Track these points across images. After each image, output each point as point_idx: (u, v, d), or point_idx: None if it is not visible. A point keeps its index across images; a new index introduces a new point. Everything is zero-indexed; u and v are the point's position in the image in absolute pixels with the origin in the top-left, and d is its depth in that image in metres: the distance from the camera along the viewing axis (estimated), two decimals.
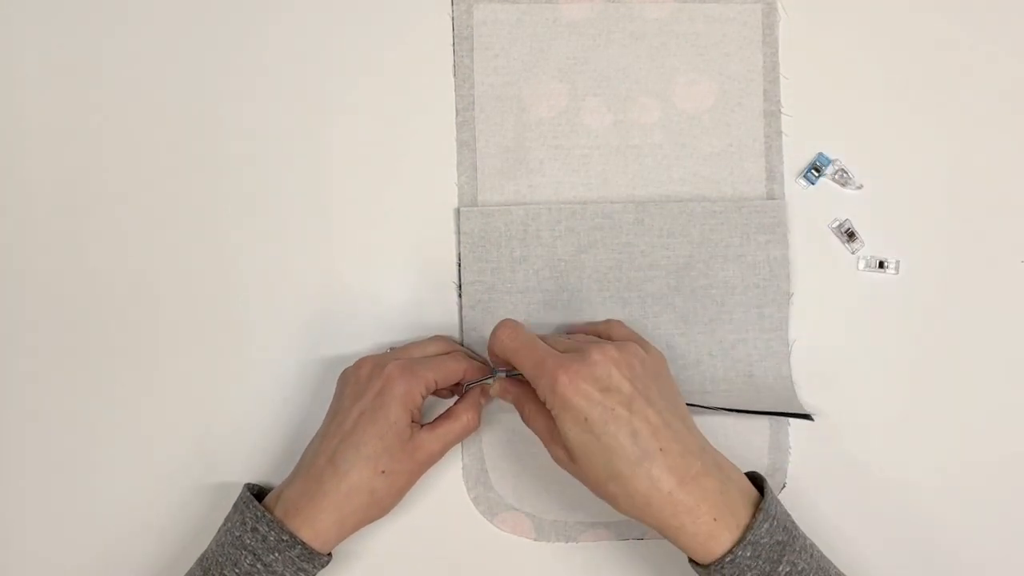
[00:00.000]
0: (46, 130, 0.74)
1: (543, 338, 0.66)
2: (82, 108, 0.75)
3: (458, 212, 0.75)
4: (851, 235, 0.76)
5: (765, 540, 0.60)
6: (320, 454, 0.66)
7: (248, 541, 0.64)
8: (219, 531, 0.66)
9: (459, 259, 0.75)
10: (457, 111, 0.76)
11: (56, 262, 0.74)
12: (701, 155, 0.77)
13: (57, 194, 0.74)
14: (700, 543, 0.61)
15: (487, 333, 0.73)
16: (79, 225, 0.74)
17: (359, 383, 0.67)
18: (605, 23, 0.77)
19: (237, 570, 0.63)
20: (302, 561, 0.64)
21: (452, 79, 0.76)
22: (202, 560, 0.65)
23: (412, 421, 0.66)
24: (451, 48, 0.76)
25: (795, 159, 0.77)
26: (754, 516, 0.61)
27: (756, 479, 0.65)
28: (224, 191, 0.75)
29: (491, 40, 0.76)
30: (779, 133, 0.77)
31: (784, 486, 0.75)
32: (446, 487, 0.74)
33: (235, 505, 0.67)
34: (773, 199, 0.76)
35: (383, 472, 0.65)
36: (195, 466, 0.73)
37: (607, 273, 0.75)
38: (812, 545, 0.63)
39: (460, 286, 0.75)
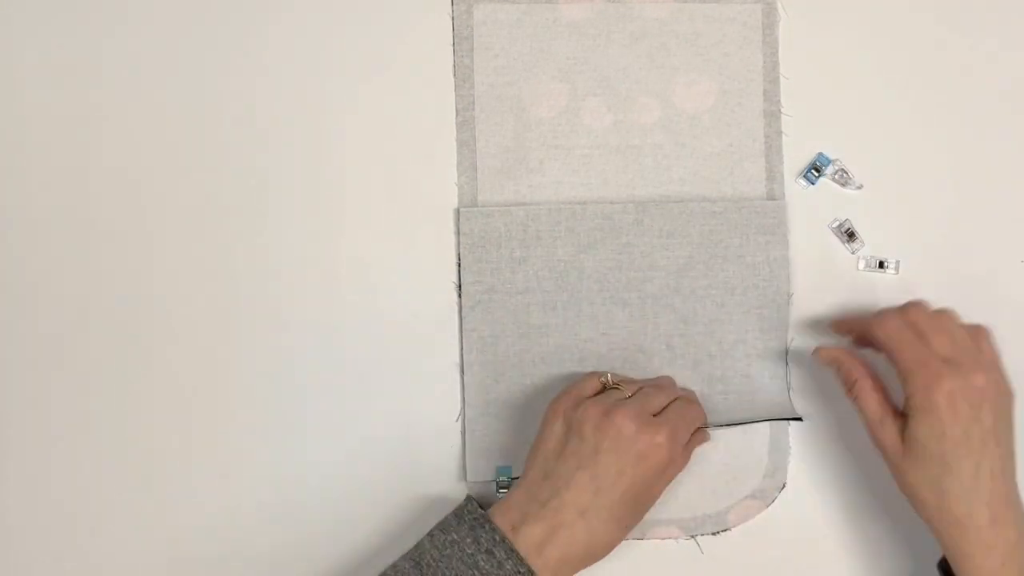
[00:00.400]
0: (45, 129, 0.74)
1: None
2: (82, 107, 0.75)
3: (458, 212, 0.75)
4: (851, 235, 0.76)
5: None
6: (567, 503, 0.65)
7: (483, 563, 0.63)
8: (440, 538, 0.66)
9: (459, 259, 0.75)
10: (457, 111, 0.76)
11: (59, 260, 0.74)
12: (701, 155, 0.77)
13: (56, 191, 0.74)
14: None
15: (487, 334, 0.74)
16: (82, 218, 0.74)
17: (620, 433, 0.65)
18: (605, 23, 0.77)
19: None
20: None
21: (452, 79, 0.76)
22: (420, 563, 0.65)
23: None
24: (451, 48, 0.76)
25: (795, 159, 0.77)
26: None
27: None
28: (222, 192, 0.75)
29: (491, 40, 0.76)
30: (779, 133, 0.77)
31: (784, 486, 0.75)
32: (446, 484, 0.74)
33: (460, 517, 0.66)
34: (773, 199, 0.76)
35: (626, 527, 0.67)
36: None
37: (607, 274, 0.75)
38: None
39: (460, 286, 0.75)
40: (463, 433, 0.75)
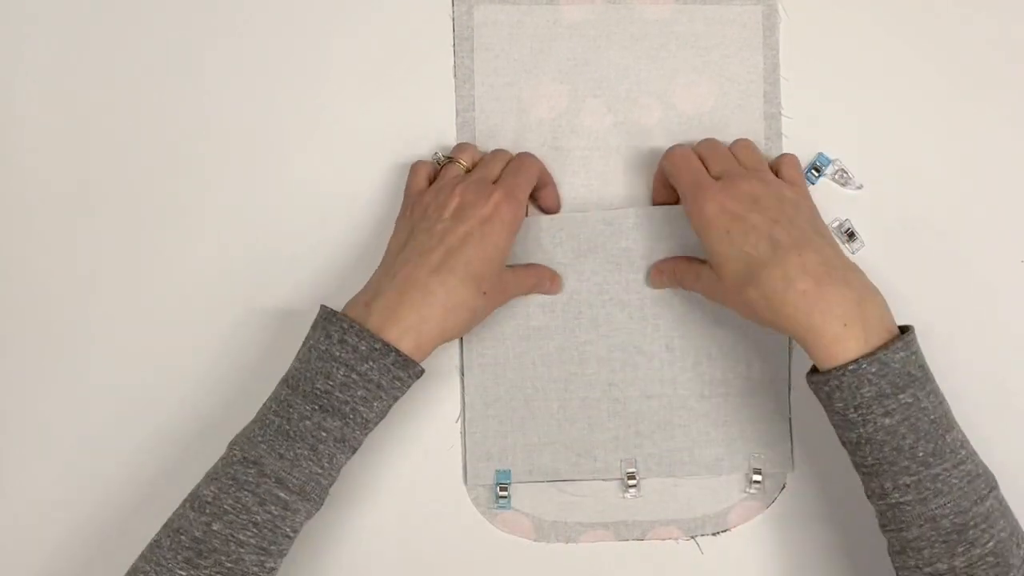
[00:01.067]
0: (42, 129, 0.75)
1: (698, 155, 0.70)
2: (83, 109, 0.75)
3: None
4: (851, 235, 0.76)
5: (896, 367, 0.61)
6: (420, 266, 0.65)
7: (338, 353, 0.63)
8: (299, 352, 0.66)
9: None
10: (457, 112, 0.76)
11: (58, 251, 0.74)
12: None
13: (53, 188, 0.75)
14: (825, 345, 0.62)
15: (487, 336, 0.74)
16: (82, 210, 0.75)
17: (463, 206, 0.67)
18: (605, 24, 0.76)
19: (331, 382, 0.63)
20: (397, 368, 0.64)
21: (452, 80, 0.76)
22: (286, 380, 0.65)
23: None
24: (451, 49, 0.76)
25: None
26: (892, 341, 0.62)
27: (904, 328, 0.65)
28: (219, 190, 0.75)
29: (492, 41, 0.76)
30: (779, 135, 0.77)
31: (784, 487, 0.76)
32: (446, 487, 0.75)
33: (313, 324, 0.66)
34: None
35: (484, 293, 0.67)
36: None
37: (607, 276, 0.75)
38: (942, 396, 0.64)
39: None
40: (463, 435, 0.75)
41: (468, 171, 0.72)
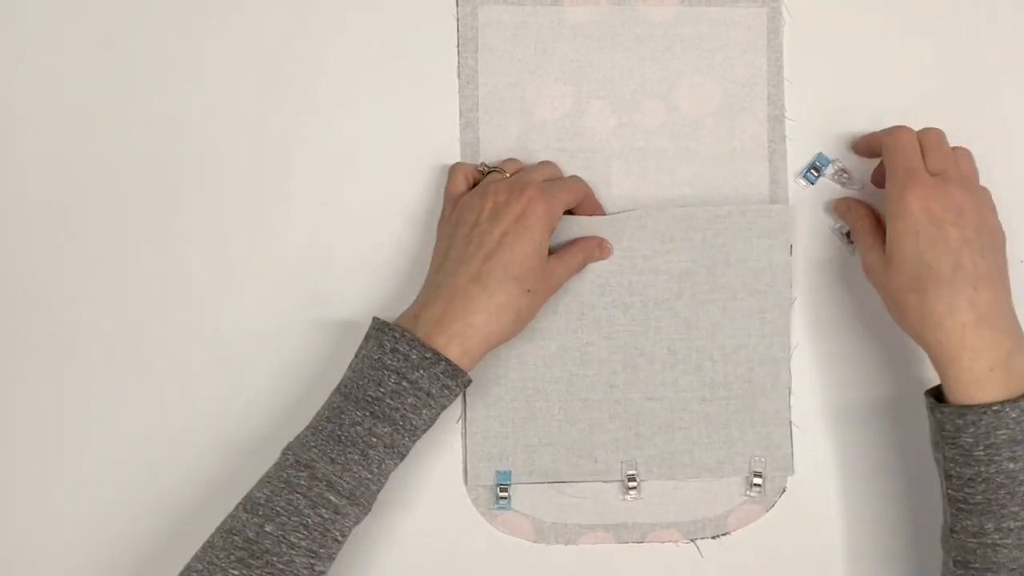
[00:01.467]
0: (40, 129, 0.75)
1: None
2: (83, 109, 0.75)
3: None
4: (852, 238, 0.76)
5: None
6: (460, 274, 0.67)
7: (390, 362, 0.64)
8: (352, 362, 0.67)
9: None
10: (461, 112, 0.76)
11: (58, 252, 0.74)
12: (704, 158, 0.76)
13: (52, 188, 0.75)
14: (965, 383, 0.63)
15: None
16: (82, 208, 0.75)
17: (497, 207, 0.68)
18: (609, 26, 0.76)
19: (382, 389, 0.64)
20: (446, 378, 0.65)
21: (456, 80, 0.76)
22: (340, 389, 0.66)
23: None
24: (455, 49, 0.76)
25: (799, 163, 0.77)
26: None
27: None
28: (221, 190, 0.75)
29: (496, 42, 0.76)
30: (783, 137, 0.77)
31: (784, 491, 0.76)
32: (446, 488, 0.75)
33: (366, 336, 0.67)
34: (776, 203, 0.76)
35: (528, 291, 0.67)
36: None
37: (609, 278, 0.75)
38: None
39: None
40: (463, 435, 0.75)
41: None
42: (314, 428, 0.66)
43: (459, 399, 0.75)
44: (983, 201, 0.69)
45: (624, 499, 0.75)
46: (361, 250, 0.75)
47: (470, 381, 0.67)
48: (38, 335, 0.74)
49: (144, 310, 0.74)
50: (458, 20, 0.76)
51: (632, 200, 0.76)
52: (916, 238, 0.65)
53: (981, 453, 0.63)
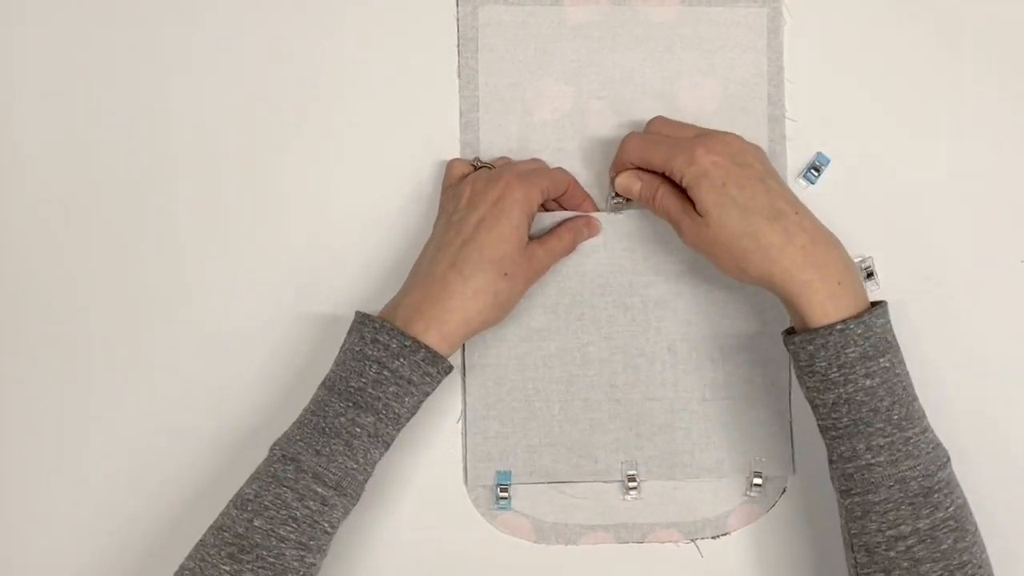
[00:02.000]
0: (41, 130, 0.75)
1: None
2: (83, 110, 0.75)
3: None
4: (869, 274, 0.76)
5: (878, 331, 0.64)
6: (439, 262, 0.68)
7: (370, 352, 0.65)
8: (337, 356, 0.68)
9: None
10: (461, 112, 0.76)
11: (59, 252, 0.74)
12: None
13: (51, 191, 0.75)
14: (820, 301, 0.64)
15: (488, 337, 0.74)
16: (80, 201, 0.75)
17: (475, 193, 0.69)
18: (610, 26, 0.76)
19: (364, 379, 0.65)
20: (427, 364, 0.66)
21: (457, 80, 0.76)
22: (324, 383, 0.67)
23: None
24: (456, 49, 0.76)
25: (799, 163, 0.77)
26: (875, 306, 0.65)
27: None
28: (223, 190, 0.75)
29: (496, 42, 0.76)
30: (783, 137, 0.77)
31: (784, 491, 0.76)
32: (446, 488, 0.75)
33: (350, 329, 0.68)
34: None
35: (506, 274, 0.68)
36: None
37: (609, 278, 0.75)
38: (905, 365, 0.66)
39: None
40: (464, 435, 0.75)
41: None
42: (300, 422, 0.66)
43: (459, 399, 0.75)
44: (735, 139, 0.69)
45: (624, 499, 0.75)
46: (362, 249, 0.75)
47: (451, 367, 0.67)
48: (30, 329, 0.74)
49: (136, 307, 0.75)
50: (458, 20, 0.76)
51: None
52: (724, 188, 0.66)
53: (836, 374, 0.63)
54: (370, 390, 0.65)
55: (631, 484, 0.74)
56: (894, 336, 0.65)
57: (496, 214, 0.68)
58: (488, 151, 0.76)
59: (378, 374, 0.65)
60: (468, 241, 0.67)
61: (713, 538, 0.75)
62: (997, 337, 0.77)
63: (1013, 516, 0.76)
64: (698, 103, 0.77)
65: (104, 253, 0.75)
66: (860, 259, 0.76)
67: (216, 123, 0.75)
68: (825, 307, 0.64)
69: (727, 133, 0.69)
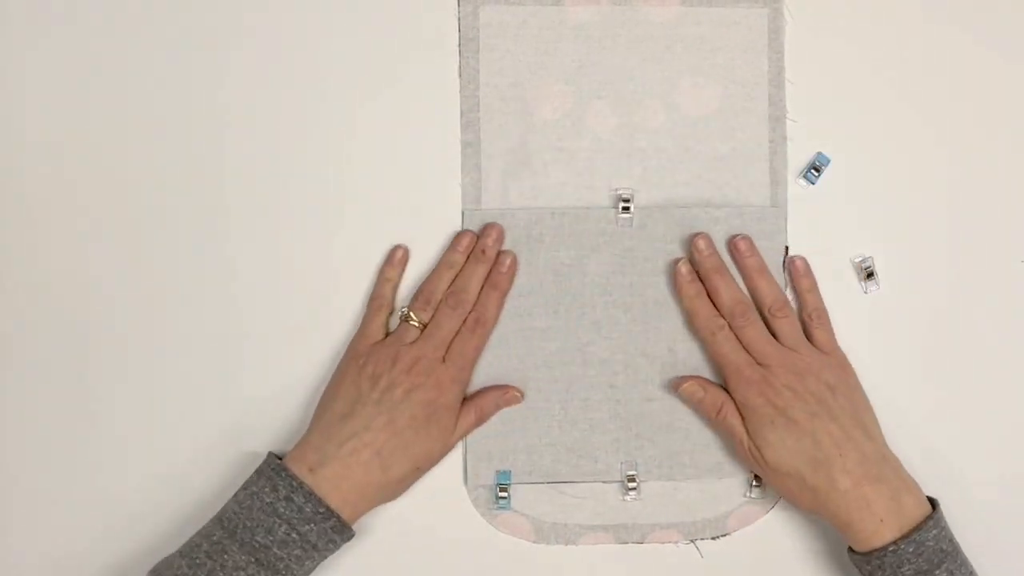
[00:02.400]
0: (45, 132, 0.75)
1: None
2: (83, 111, 0.75)
3: (462, 214, 0.75)
4: (870, 274, 0.76)
5: (930, 544, 0.67)
6: (367, 445, 0.68)
7: (282, 510, 0.66)
8: (242, 494, 0.67)
9: None
10: (462, 112, 0.76)
11: (66, 250, 0.74)
12: (705, 159, 0.76)
13: (57, 193, 0.75)
14: (864, 539, 0.67)
15: (493, 338, 0.74)
16: (84, 219, 0.75)
17: (412, 388, 0.70)
18: (611, 26, 0.76)
19: (271, 537, 0.65)
20: (334, 532, 0.67)
21: (458, 80, 0.76)
22: (222, 521, 0.67)
23: None
24: (457, 50, 0.76)
25: (800, 163, 0.77)
26: (925, 521, 0.67)
27: (932, 501, 0.70)
28: (225, 191, 0.75)
29: (497, 42, 0.76)
30: (784, 138, 0.77)
31: None
32: (447, 487, 0.75)
33: (260, 472, 0.68)
34: (776, 206, 0.76)
35: (419, 468, 0.71)
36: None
37: (609, 278, 0.75)
38: (971, 566, 0.69)
39: None
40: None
41: (424, 327, 0.73)
42: (191, 559, 0.66)
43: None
44: (809, 368, 0.71)
45: (624, 500, 0.75)
46: (362, 249, 0.75)
47: (354, 535, 0.69)
48: (36, 334, 0.74)
49: (140, 310, 0.75)
50: (459, 20, 0.76)
51: (633, 200, 0.76)
52: (772, 426, 0.70)
53: None
54: (275, 550, 0.65)
55: (631, 484, 0.74)
56: (950, 540, 0.68)
57: (428, 417, 0.70)
58: (488, 151, 0.76)
59: (287, 535, 0.65)
60: (397, 433, 0.69)
61: (713, 539, 0.75)
62: (997, 337, 0.77)
63: (1013, 516, 0.76)
64: (699, 103, 0.77)
65: (100, 256, 0.75)
66: (860, 259, 0.76)
67: (210, 123, 0.75)
68: (870, 541, 0.67)
69: (789, 362, 0.71)
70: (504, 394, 0.74)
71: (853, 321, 0.76)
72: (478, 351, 0.73)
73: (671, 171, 0.76)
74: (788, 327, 0.73)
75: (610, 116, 0.76)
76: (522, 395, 0.75)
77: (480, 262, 0.73)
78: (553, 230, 0.75)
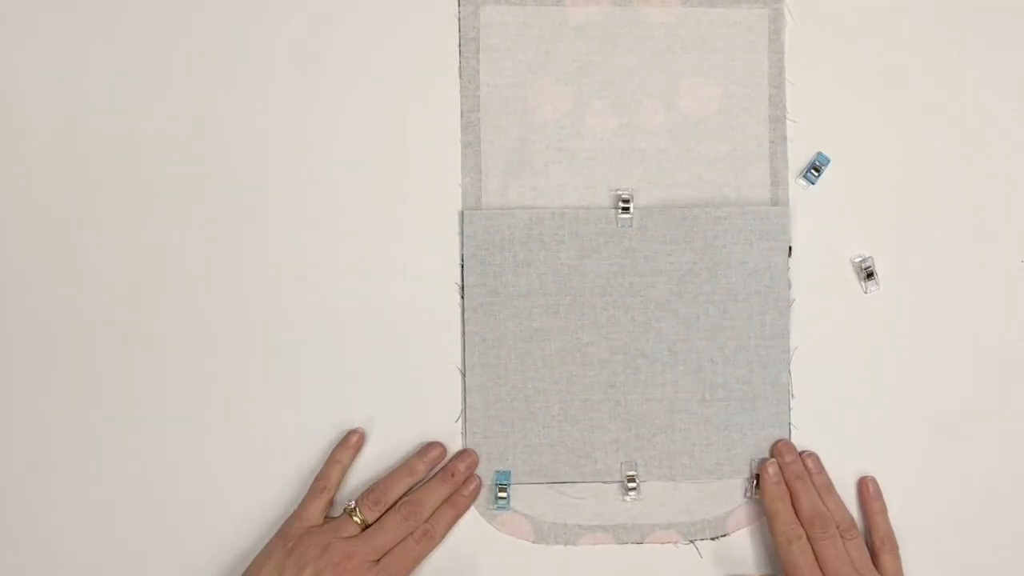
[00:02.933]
0: (46, 133, 0.75)
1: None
2: (83, 111, 0.75)
3: (462, 214, 0.75)
4: (870, 275, 0.76)
5: None
6: None
7: None
8: None
9: (462, 261, 0.75)
10: (462, 112, 0.76)
11: (58, 260, 0.74)
12: (706, 159, 0.76)
13: (57, 198, 0.75)
14: None
15: (489, 336, 0.74)
16: (78, 233, 0.75)
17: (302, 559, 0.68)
18: (611, 26, 0.76)
19: None
20: None
21: (458, 80, 0.76)
22: None
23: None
24: (457, 49, 0.76)
25: (801, 164, 0.77)
26: None
27: None
28: (224, 190, 0.75)
29: (497, 42, 0.76)
30: (784, 138, 0.77)
31: None
32: None
33: None
34: (777, 205, 0.76)
35: None
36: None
37: (610, 279, 0.75)
38: None
39: (463, 288, 0.75)
40: (463, 435, 0.75)
41: (366, 527, 0.71)
42: None
43: (459, 399, 0.75)
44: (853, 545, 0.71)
45: (623, 500, 0.75)
46: (362, 250, 0.75)
47: None
48: (32, 328, 0.74)
49: (139, 313, 0.75)
50: (460, 20, 0.76)
51: (634, 200, 0.76)
52: None
53: None
54: None
55: (630, 485, 0.74)
56: None
57: None
58: (489, 151, 0.76)
59: None
60: None
61: (712, 539, 0.75)
62: (997, 337, 0.77)
63: (1014, 516, 0.76)
64: (699, 104, 0.77)
65: (103, 254, 0.75)
66: (860, 259, 0.76)
67: (210, 124, 0.75)
68: None
69: (834, 534, 0.71)
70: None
71: (853, 321, 0.76)
72: (417, 564, 0.71)
73: (671, 171, 0.76)
74: (858, 551, 0.72)
75: (610, 116, 0.76)
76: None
77: (446, 482, 0.73)
78: (553, 230, 0.75)
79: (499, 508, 0.74)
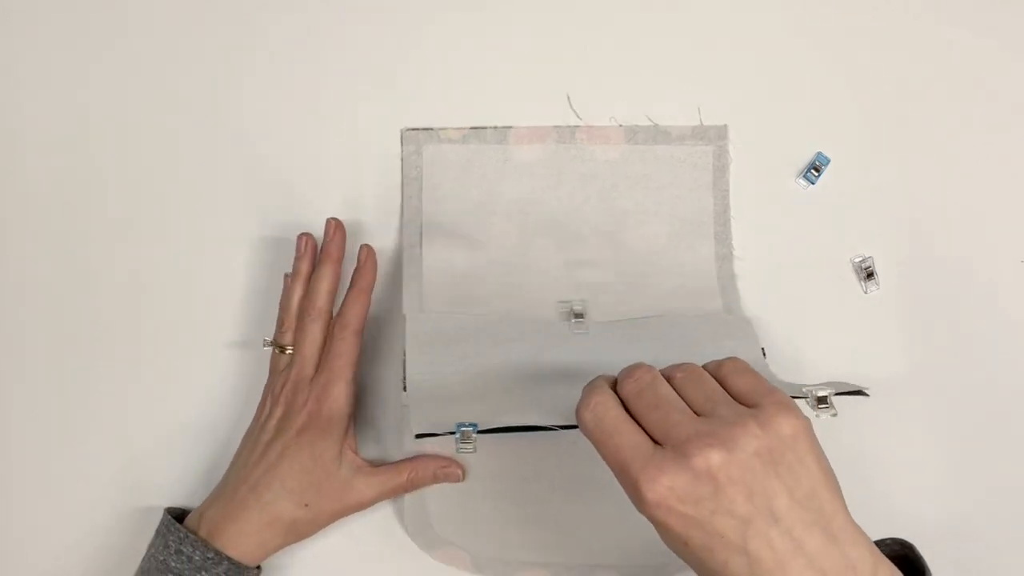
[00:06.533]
0: (44, 132, 0.77)
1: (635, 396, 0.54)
2: (83, 111, 0.77)
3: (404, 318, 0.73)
4: (870, 275, 0.75)
5: None
6: (242, 481, 0.67)
7: (174, 564, 0.65)
8: (143, 559, 0.67)
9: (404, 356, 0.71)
10: (404, 248, 0.75)
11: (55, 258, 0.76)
12: (654, 294, 0.75)
13: (54, 196, 0.76)
14: None
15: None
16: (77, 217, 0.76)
17: (284, 416, 0.68)
18: (556, 164, 0.76)
19: None
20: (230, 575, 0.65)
21: (399, 218, 0.75)
22: None
23: (347, 449, 0.69)
24: (399, 189, 0.76)
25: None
26: None
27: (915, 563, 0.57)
28: (223, 193, 0.76)
29: (440, 180, 0.76)
30: (732, 275, 0.76)
31: None
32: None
33: (157, 530, 0.67)
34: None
35: (306, 505, 0.67)
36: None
37: (566, 368, 0.70)
38: None
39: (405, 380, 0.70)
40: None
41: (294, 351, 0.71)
42: None
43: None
44: (741, 441, 0.50)
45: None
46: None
47: (259, 572, 0.67)
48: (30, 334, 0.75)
49: (134, 311, 0.75)
50: (402, 159, 0.76)
51: (586, 316, 0.74)
52: (689, 551, 0.50)
53: None
54: None
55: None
56: None
57: (301, 443, 0.67)
58: (431, 289, 0.74)
59: None
60: (271, 468, 0.66)
61: None
62: (997, 337, 0.75)
63: (1014, 516, 0.74)
64: (645, 241, 0.76)
65: (102, 254, 0.76)
66: (860, 259, 0.75)
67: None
68: None
69: (709, 446, 0.50)
70: (444, 467, 0.69)
71: (853, 321, 0.75)
72: (351, 355, 0.69)
73: (618, 304, 0.74)
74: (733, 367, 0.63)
75: (555, 253, 0.75)
76: (463, 474, 0.70)
77: (326, 263, 0.71)
78: (507, 329, 0.72)
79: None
